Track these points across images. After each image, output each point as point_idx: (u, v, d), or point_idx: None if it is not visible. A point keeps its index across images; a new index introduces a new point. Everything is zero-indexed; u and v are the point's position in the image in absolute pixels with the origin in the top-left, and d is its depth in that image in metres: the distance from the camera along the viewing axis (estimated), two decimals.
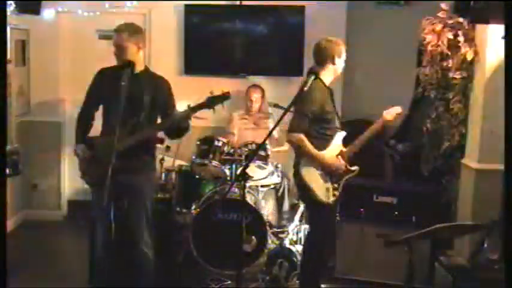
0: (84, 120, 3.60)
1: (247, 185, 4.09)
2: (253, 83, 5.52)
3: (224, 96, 3.40)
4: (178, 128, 3.51)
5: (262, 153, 4.59)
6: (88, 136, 3.58)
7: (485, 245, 3.45)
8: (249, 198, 4.44)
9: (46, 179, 5.73)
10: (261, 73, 5.69)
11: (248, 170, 3.26)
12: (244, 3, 5.59)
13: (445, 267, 3.62)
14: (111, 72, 3.51)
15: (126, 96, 3.28)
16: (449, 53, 4.45)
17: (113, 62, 3.52)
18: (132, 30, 3.47)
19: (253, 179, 4.47)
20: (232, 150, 4.61)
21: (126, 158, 3.28)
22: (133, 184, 3.45)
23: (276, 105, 4.77)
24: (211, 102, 3.39)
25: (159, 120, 3.61)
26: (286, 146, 4.72)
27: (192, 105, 3.41)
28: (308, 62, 5.01)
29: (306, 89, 3.34)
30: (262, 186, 4.79)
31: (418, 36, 4.74)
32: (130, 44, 3.43)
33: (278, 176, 4.75)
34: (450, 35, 4.42)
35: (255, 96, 5.35)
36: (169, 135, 3.67)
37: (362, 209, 4.10)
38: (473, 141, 4.30)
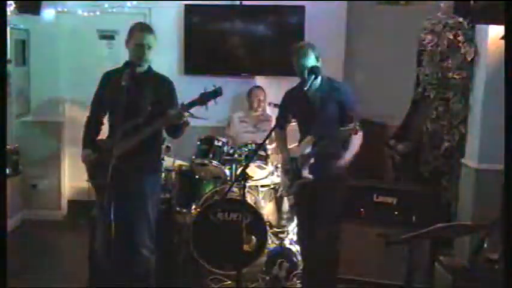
0: (92, 125, 3.54)
1: (247, 185, 4.09)
2: (255, 84, 5.52)
3: (216, 92, 3.36)
4: (175, 126, 3.44)
5: (262, 153, 4.59)
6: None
7: (485, 245, 3.45)
8: (249, 198, 4.44)
9: (46, 179, 5.72)
10: (261, 73, 5.70)
11: (248, 170, 3.26)
12: (244, 3, 5.59)
13: (445, 267, 3.61)
14: (115, 74, 3.44)
15: (128, 97, 3.25)
16: (449, 53, 4.46)
17: (112, 62, 3.51)
18: (153, 31, 3.45)
19: (253, 179, 4.47)
20: (232, 150, 4.61)
21: (130, 158, 3.27)
22: (134, 185, 3.38)
23: (276, 106, 4.77)
24: (204, 98, 3.35)
25: None
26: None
27: (185, 103, 3.37)
28: None
29: (306, 88, 3.33)
30: (262, 186, 4.79)
31: (418, 36, 4.74)
32: (155, 45, 3.42)
33: (278, 176, 4.75)
34: (450, 35, 4.42)
35: (260, 97, 5.34)
36: (169, 134, 3.63)
37: (362, 209, 4.09)
38: (473, 141, 4.30)
